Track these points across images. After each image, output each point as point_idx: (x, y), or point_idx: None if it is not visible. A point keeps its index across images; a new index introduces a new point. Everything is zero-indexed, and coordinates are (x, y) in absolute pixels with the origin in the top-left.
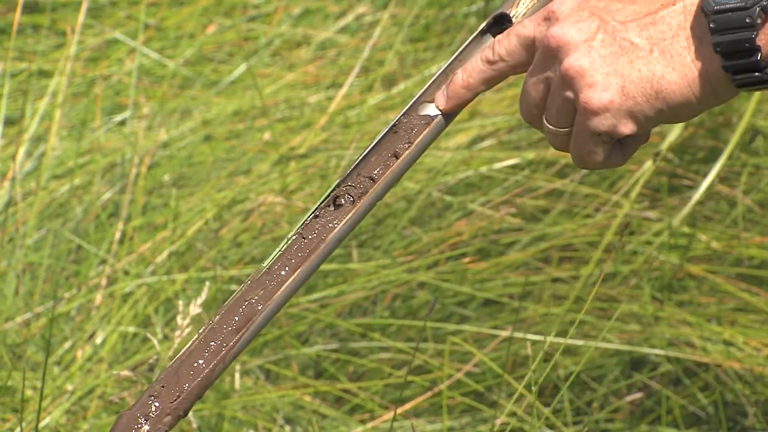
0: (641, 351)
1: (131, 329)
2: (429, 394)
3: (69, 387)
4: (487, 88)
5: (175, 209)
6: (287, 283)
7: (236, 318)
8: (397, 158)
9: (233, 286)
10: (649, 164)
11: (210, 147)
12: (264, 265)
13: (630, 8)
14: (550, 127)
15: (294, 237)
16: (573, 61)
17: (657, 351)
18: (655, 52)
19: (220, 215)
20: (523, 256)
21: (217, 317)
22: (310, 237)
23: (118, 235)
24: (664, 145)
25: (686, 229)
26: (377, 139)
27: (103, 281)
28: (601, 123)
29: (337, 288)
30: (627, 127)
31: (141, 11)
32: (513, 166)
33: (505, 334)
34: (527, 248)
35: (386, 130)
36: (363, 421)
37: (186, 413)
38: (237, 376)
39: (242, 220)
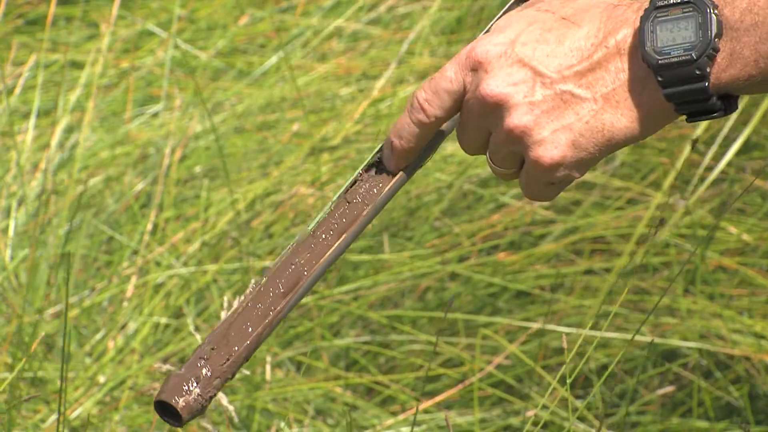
0: (673, 344)
1: (163, 320)
2: (460, 386)
3: (101, 378)
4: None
5: (206, 200)
6: (333, 247)
7: (283, 280)
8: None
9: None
10: (684, 154)
11: (242, 138)
12: (309, 228)
13: (559, 51)
14: (496, 168)
15: (338, 201)
16: (517, 121)
17: (688, 343)
18: (599, 101)
19: (252, 206)
20: (554, 248)
21: (264, 280)
22: (354, 201)
23: (150, 226)
24: (699, 131)
25: (717, 222)
26: None
27: (135, 272)
28: (554, 176)
29: (368, 279)
30: (579, 173)
31: (173, 2)
32: None
33: (536, 326)
34: (559, 240)
35: None
36: (394, 413)
37: (233, 376)
38: (268, 368)
39: (274, 211)
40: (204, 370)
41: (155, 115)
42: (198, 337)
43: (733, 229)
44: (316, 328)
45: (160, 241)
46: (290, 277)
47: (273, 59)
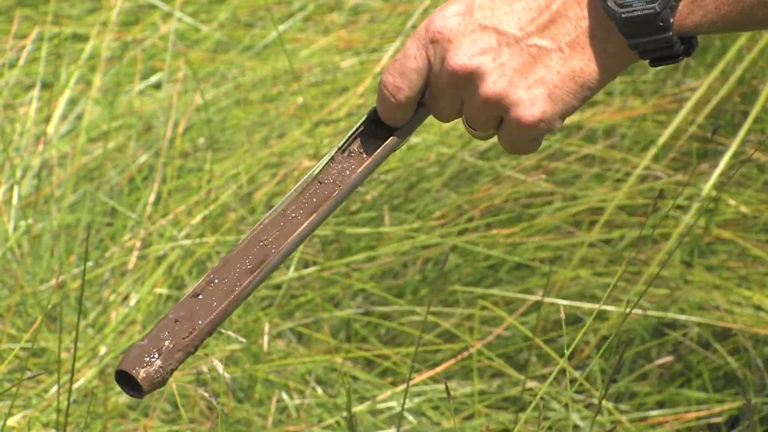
0: (671, 315)
1: (165, 291)
2: (459, 357)
3: (102, 349)
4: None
5: (209, 172)
6: (302, 226)
7: (250, 257)
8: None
9: None
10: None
11: (244, 111)
12: (277, 206)
13: (517, 8)
14: (475, 132)
15: (310, 181)
16: (491, 87)
17: (686, 315)
18: (565, 49)
19: (254, 179)
20: (554, 221)
21: (232, 254)
22: (326, 182)
23: (152, 198)
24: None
25: (715, 194)
26: None
27: (138, 243)
28: (537, 131)
29: (369, 252)
30: (560, 123)
31: None
32: None
33: (535, 298)
34: (558, 213)
35: None
36: (394, 384)
37: (196, 350)
38: (267, 339)
39: (276, 184)
40: (166, 343)
41: (158, 87)
42: None
43: (732, 201)
44: (317, 300)
45: (162, 213)
46: (258, 254)
47: (275, 33)
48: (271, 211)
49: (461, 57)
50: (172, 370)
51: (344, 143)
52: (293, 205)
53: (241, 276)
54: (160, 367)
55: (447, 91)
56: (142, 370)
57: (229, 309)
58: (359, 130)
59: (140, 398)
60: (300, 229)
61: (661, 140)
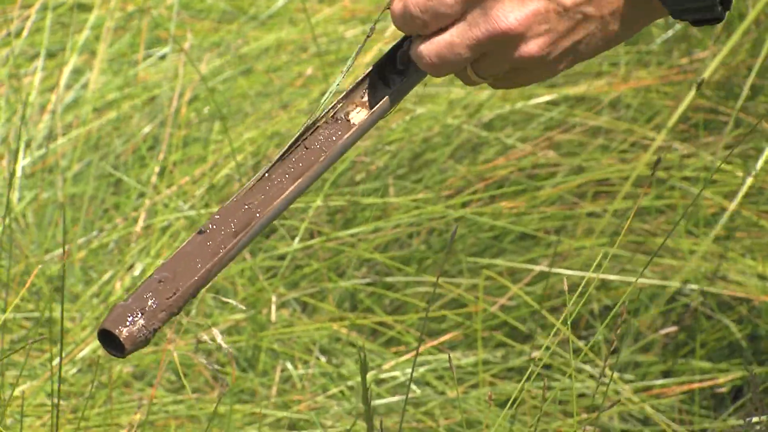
0: (676, 285)
1: None
2: (463, 327)
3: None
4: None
5: (214, 143)
6: (287, 191)
7: (235, 221)
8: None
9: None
10: (688, 98)
11: (249, 81)
12: (263, 171)
13: None
14: (478, 79)
15: (297, 146)
16: (534, 49)
17: (691, 285)
18: (606, 17)
19: (259, 149)
20: (558, 191)
21: (217, 218)
22: (312, 147)
23: (157, 169)
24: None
25: (722, 165)
26: (372, 67)
27: (143, 214)
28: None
29: (374, 223)
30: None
31: None
32: (550, 102)
33: (540, 268)
34: (563, 183)
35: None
36: (398, 354)
37: (180, 311)
38: (273, 308)
39: None
40: (150, 302)
41: (163, 57)
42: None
43: (738, 173)
44: (321, 269)
45: (167, 184)
46: (242, 218)
47: (280, 2)
48: (257, 175)
49: (510, 17)
50: (155, 330)
51: (329, 110)
52: (279, 169)
53: (225, 239)
54: (143, 326)
55: (474, 45)
56: (125, 330)
57: (213, 271)
58: (349, 96)
59: (122, 357)
60: (285, 193)
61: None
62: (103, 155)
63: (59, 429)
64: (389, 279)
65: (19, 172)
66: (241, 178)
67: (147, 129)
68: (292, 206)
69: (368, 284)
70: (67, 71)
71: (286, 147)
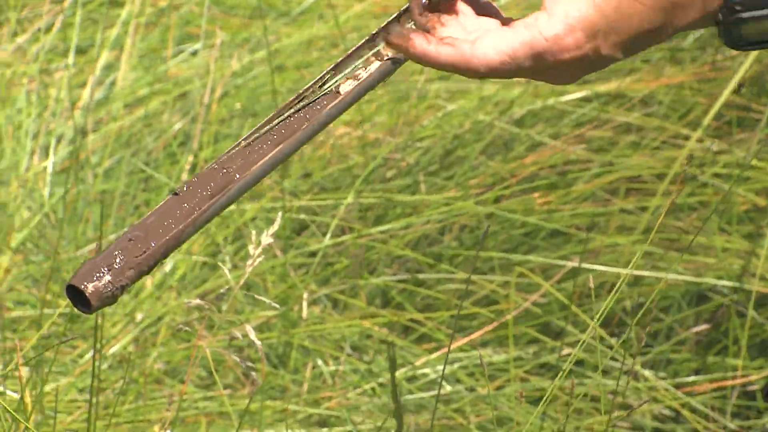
0: (708, 282)
1: (201, 258)
2: (495, 324)
3: (138, 315)
4: None
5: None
6: (267, 156)
7: (212, 184)
8: (380, 59)
9: (303, 216)
10: (723, 98)
11: (280, 77)
12: (246, 137)
13: None
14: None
15: (280, 116)
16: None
17: (724, 282)
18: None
19: None
20: (590, 188)
21: (195, 180)
22: (296, 115)
23: (188, 165)
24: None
25: (755, 162)
26: (365, 39)
27: None
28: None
29: (405, 219)
30: None
31: None
32: (582, 99)
33: (571, 264)
34: (595, 180)
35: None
36: (429, 351)
37: (149, 270)
38: (305, 305)
39: (313, 150)
40: (118, 259)
41: (194, 53)
42: (234, 275)
43: None
44: (353, 266)
45: None
46: (220, 181)
47: None
48: (239, 141)
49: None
50: (123, 287)
51: (315, 81)
52: (262, 137)
53: (201, 201)
54: (109, 282)
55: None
56: (91, 285)
57: (186, 231)
58: (338, 68)
59: (90, 313)
60: (264, 159)
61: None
62: (134, 151)
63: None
64: (420, 276)
65: (50, 168)
66: (273, 174)
67: (178, 125)
68: (322, 203)
69: (399, 281)
70: (97, 67)
71: (269, 116)
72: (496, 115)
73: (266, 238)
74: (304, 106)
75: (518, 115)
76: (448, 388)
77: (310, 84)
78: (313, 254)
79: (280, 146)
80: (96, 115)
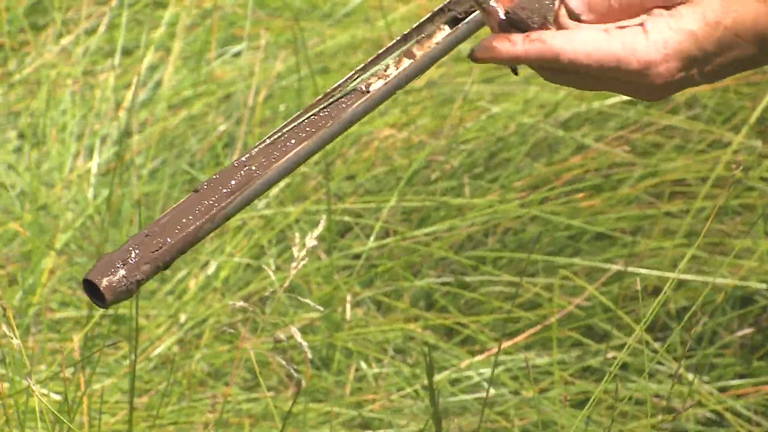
0: (753, 286)
1: (244, 260)
2: (539, 327)
3: (182, 316)
4: None
5: None
6: (290, 154)
7: (233, 182)
8: (412, 58)
9: (347, 218)
10: (767, 100)
11: (324, 79)
12: (272, 134)
13: None
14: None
15: (306, 115)
16: None
17: None
18: None
19: (334, 149)
20: (635, 191)
21: (215, 177)
22: (322, 114)
23: None
24: None
25: None
26: (397, 39)
27: None
28: None
29: (449, 221)
30: None
31: None
32: (626, 102)
33: (616, 267)
34: (639, 183)
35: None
36: (473, 354)
37: (166, 266)
38: (348, 307)
39: (357, 153)
40: (133, 254)
41: (237, 55)
42: (278, 276)
43: None
44: (396, 268)
45: None
46: (241, 179)
47: (356, 0)
48: (263, 139)
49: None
50: (138, 282)
51: (342, 82)
52: (288, 134)
53: (220, 198)
54: (123, 276)
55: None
56: (105, 279)
57: (204, 228)
58: (366, 68)
59: (105, 307)
60: (287, 156)
61: (753, 118)
62: (178, 153)
63: (134, 426)
64: (464, 278)
65: (94, 170)
66: (317, 176)
67: (222, 127)
68: (366, 205)
69: (443, 283)
70: (142, 69)
71: (295, 115)
72: (541, 118)
73: (310, 241)
74: (330, 104)
75: (563, 118)
76: (492, 391)
77: (338, 83)
78: (357, 256)
79: (303, 144)
80: (140, 116)
